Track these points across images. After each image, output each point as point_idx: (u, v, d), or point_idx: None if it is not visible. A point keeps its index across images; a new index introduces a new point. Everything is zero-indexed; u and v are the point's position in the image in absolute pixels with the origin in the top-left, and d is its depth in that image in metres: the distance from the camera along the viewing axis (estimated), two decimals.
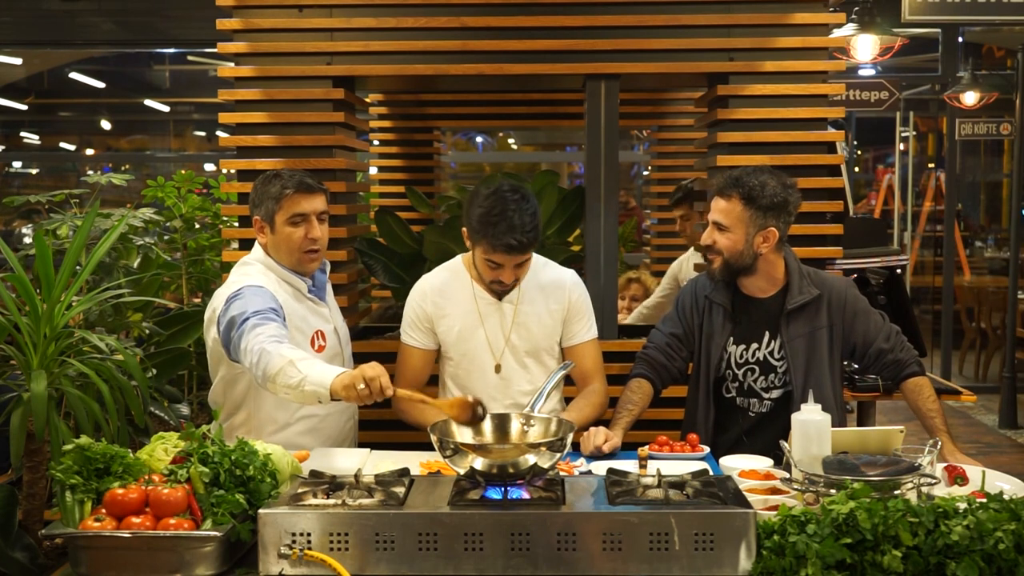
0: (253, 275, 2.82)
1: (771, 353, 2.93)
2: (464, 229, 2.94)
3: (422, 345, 3.04)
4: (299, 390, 2.40)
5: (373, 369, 2.33)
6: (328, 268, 3.06)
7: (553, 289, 3.01)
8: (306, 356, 2.46)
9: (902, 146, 11.14)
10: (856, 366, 3.92)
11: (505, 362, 2.98)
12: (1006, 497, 2.04)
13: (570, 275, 3.07)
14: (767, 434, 2.88)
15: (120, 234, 3.60)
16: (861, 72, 8.82)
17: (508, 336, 2.97)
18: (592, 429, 2.80)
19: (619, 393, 3.04)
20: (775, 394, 2.94)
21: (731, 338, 2.97)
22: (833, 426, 2.44)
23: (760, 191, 2.83)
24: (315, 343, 2.85)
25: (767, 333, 2.94)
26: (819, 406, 2.43)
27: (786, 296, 2.92)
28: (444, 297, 3.01)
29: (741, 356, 2.96)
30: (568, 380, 3.12)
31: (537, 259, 3.06)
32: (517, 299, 2.98)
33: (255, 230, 2.89)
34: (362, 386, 2.30)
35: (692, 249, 4.55)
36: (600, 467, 2.54)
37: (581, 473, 2.57)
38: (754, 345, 2.95)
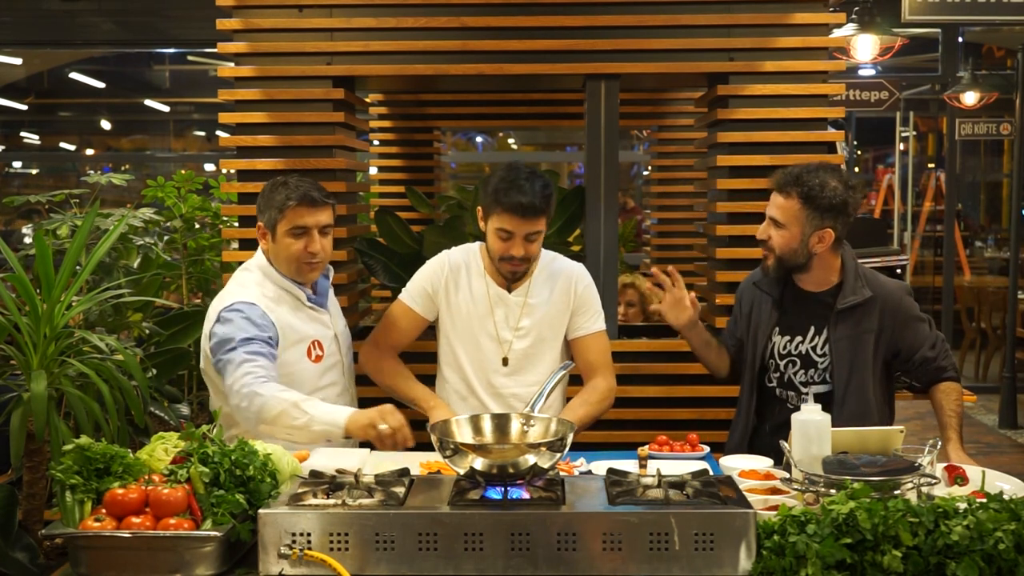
0: (249, 285, 2.82)
1: (814, 348, 2.91)
2: (479, 209, 2.95)
3: (420, 311, 3.03)
4: (306, 430, 2.50)
5: (395, 418, 2.45)
6: (331, 273, 3.06)
7: (561, 281, 3.02)
8: (307, 397, 2.56)
9: (902, 146, 11.15)
10: None
11: (512, 355, 2.98)
12: (1006, 497, 2.04)
13: (578, 267, 3.09)
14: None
15: (120, 234, 3.61)
16: (861, 72, 8.83)
17: (516, 328, 2.97)
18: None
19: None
20: (813, 390, 2.87)
21: (776, 328, 2.96)
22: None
23: (820, 191, 2.78)
24: (311, 353, 2.85)
25: (812, 328, 2.91)
26: (819, 406, 2.42)
27: (838, 294, 2.88)
28: (460, 278, 3.01)
29: (784, 347, 2.94)
30: (576, 378, 3.12)
31: (547, 254, 3.07)
32: (526, 292, 2.99)
33: (258, 235, 2.89)
34: (384, 426, 2.42)
35: None
36: (600, 467, 2.54)
37: (581, 473, 2.57)
38: (798, 338, 2.93)
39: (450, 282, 3.01)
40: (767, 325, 2.96)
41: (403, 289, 3.10)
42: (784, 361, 2.94)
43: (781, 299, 2.96)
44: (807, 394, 2.88)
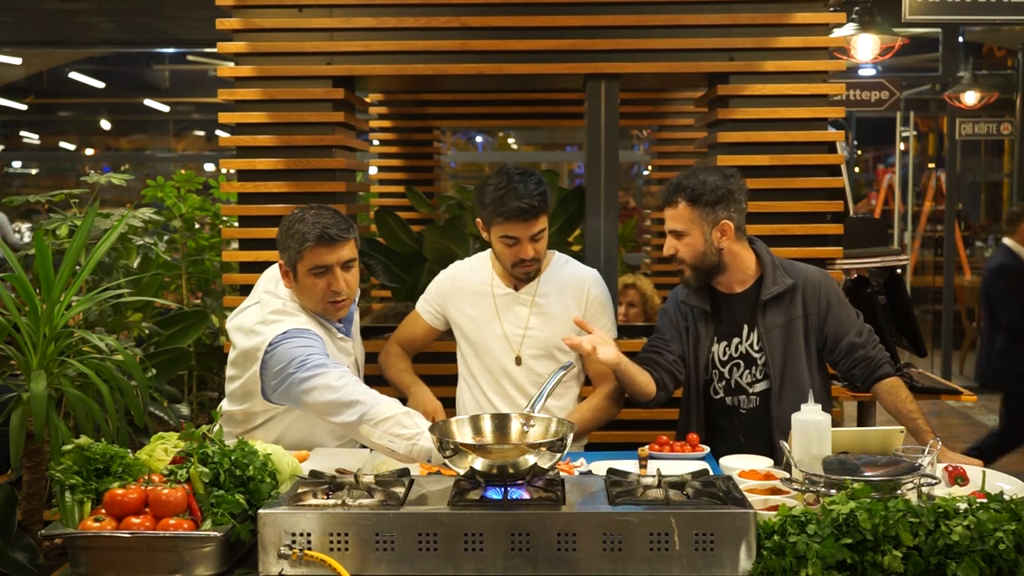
0: (294, 313, 2.70)
1: (751, 345, 2.95)
2: (479, 221, 2.97)
3: (430, 320, 3.12)
4: (409, 441, 2.38)
5: None
6: (358, 295, 2.92)
7: (573, 286, 3.02)
8: (414, 411, 2.46)
9: (902, 146, 11.14)
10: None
11: (525, 353, 2.99)
12: (1006, 497, 2.04)
13: (591, 273, 3.08)
14: (759, 432, 2.90)
15: (120, 234, 3.61)
16: (861, 72, 8.82)
17: (526, 327, 2.98)
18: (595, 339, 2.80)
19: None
20: (758, 388, 2.94)
21: (715, 337, 2.98)
22: None
23: (702, 188, 2.87)
24: None
25: (745, 326, 2.96)
26: (819, 406, 2.42)
27: (761, 288, 2.93)
28: (465, 283, 3.06)
29: (724, 353, 2.97)
30: (586, 381, 3.12)
31: (559, 257, 3.09)
32: (535, 291, 3.00)
33: (280, 272, 2.76)
34: None
35: None
36: (600, 467, 2.54)
37: (581, 473, 2.56)
38: (735, 340, 2.96)
39: (454, 288, 3.07)
40: (706, 338, 2.99)
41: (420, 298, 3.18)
42: (728, 366, 2.97)
43: (712, 309, 2.98)
44: (754, 394, 2.94)
